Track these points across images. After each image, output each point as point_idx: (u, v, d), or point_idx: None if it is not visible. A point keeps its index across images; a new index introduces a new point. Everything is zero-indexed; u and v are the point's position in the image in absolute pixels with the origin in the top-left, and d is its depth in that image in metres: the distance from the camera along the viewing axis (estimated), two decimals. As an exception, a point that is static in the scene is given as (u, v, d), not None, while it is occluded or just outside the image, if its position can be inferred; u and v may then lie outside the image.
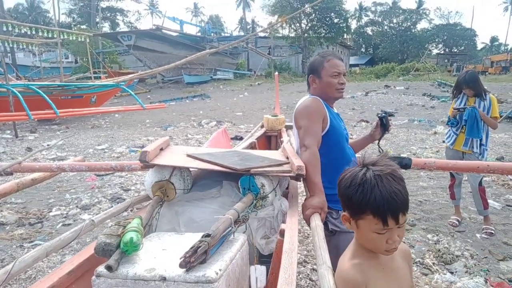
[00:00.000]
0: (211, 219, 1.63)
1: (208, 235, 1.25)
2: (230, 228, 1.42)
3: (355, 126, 10.36)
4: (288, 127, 4.11)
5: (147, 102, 15.31)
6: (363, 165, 1.06)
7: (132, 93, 13.62)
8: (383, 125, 2.19)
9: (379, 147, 2.30)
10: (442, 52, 49.77)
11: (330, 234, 1.86)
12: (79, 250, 2.60)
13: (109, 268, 1.16)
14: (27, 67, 25.15)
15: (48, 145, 7.56)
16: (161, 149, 2.02)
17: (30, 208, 4.35)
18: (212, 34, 33.33)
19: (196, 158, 1.95)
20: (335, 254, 1.27)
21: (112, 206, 3.94)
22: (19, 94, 9.53)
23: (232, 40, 26.39)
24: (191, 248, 1.20)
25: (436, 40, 50.90)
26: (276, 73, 6.19)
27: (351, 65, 44.14)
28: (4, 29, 19.37)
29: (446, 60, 41.13)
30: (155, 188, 1.80)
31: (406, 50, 47.36)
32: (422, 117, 11.53)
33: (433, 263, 2.95)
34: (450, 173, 3.80)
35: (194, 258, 1.17)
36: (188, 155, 2.00)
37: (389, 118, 2.20)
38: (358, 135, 7.95)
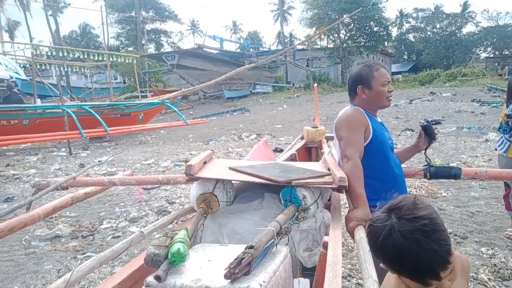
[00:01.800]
0: (254, 231, 1.65)
1: (251, 247, 1.27)
2: (273, 240, 1.43)
3: (399, 135, 10.03)
4: (329, 138, 4.07)
5: (190, 118, 15.78)
6: (387, 210, 0.95)
7: (176, 109, 14.15)
8: (428, 134, 2.12)
9: (426, 157, 2.23)
10: (492, 55, 47.08)
11: None
12: (128, 262, 2.70)
13: (158, 278, 1.21)
14: (80, 89, 26.89)
15: (99, 161, 7.99)
16: (205, 163, 2.08)
17: (82, 221, 4.61)
18: (250, 49, 33.89)
19: (238, 171, 1.98)
20: (378, 268, 1.24)
21: (158, 219, 4.08)
22: (73, 114, 10.21)
23: (270, 54, 26.69)
24: (235, 259, 1.22)
25: (485, 43, 48.30)
26: (315, 84, 6.18)
27: (393, 73, 42.92)
28: (60, 54, 20.91)
29: (496, 64, 38.87)
30: (200, 200, 1.85)
31: (452, 55, 45.31)
32: (471, 124, 10.93)
33: (489, 279, 2.77)
34: (505, 182, 3.56)
35: (239, 270, 1.19)
36: (230, 168, 2.04)
37: (435, 126, 2.12)
38: (403, 145, 7.69)
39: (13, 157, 9.14)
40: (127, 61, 18.86)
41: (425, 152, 2.25)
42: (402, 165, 2.13)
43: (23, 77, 13.76)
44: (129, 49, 40.28)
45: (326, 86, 27.38)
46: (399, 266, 0.93)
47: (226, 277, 1.19)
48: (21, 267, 3.43)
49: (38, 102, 13.03)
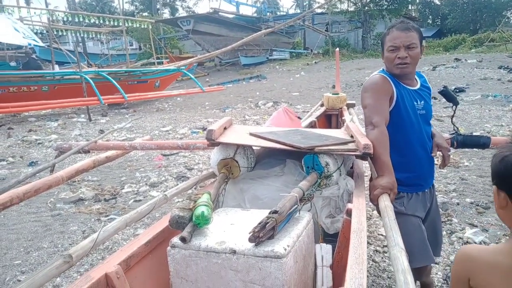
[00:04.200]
0: (275, 196, 1.65)
1: (275, 212, 1.26)
2: (296, 206, 1.42)
3: (420, 103, 9.75)
4: (350, 105, 3.98)
5: (206, 85, 15.67)
6: None
7: (192, 76, 14.04)
8: (449, 99, 2.06)
9: (453, 124, 2.15)
10: (523, 19, 44.57)
11: None
12: (149, 224, 2.76)
13: (183, 239, 1.22)
14: (96, 55, 26.86)
15: (118, 127, 8.08)
16: (225, 128, 2.06)
17: (105, 185, 4.72)
18: (267, 13, 32.91)
19: (258, 137, 1.96)
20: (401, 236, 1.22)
21: (177, 184, 4.15)
22: (91, 81, 10.26)
23: (288, 19, 25.86)
24: (259, 223, 1.22)
25: (516, 5, 45.58)
26: (337, 49, 5.98)
27: (416, 39, 41.19)
28: (76, 20, 20.81)
29: (527, 28, 36.86)
30: (221, 165, 1.84)
31: (479, 19, 42.96)
32: (497, 92, 10.51)
33: None
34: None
35: (263, 234, 1.19)
36: (251, 134, 2.02)
37: (458, 94, 2.05)
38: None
39: (35, 123, 9.34)
40: (142, 26, 18.70)
41: (452, 120, 2.17)
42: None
43: (41, 44, 13.80)
44: (144, 14, 39.77)
45: (345, 52, 26.58)
46: None
47: (250, 240, 1.19)
48: (48, 228, 3.57)
49: (56, 68, 13.13)
